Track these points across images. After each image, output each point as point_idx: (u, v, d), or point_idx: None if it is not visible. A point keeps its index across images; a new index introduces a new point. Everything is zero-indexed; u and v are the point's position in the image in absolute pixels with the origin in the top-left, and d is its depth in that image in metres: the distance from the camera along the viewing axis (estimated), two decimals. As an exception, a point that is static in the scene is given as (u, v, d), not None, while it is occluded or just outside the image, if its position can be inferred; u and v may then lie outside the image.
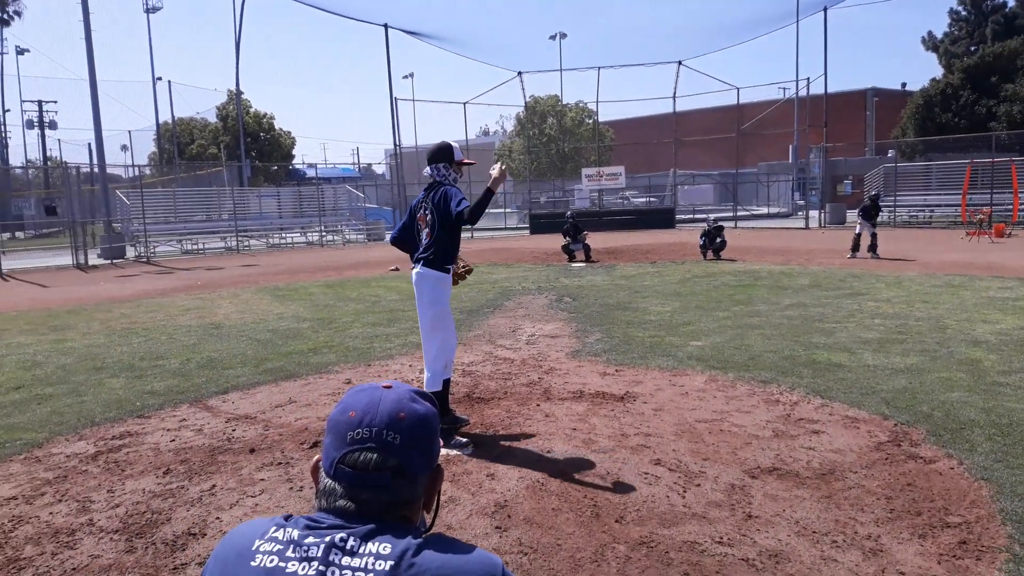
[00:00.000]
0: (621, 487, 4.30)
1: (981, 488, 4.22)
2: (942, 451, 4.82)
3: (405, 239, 5.51)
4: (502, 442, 5.19)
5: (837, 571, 3.34)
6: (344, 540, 1.19)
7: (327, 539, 1.20)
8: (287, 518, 1.27)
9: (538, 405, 6.09)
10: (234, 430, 5.74)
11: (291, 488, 4.46)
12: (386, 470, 1.25)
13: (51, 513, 4.27)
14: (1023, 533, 3.64)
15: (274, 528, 1.24)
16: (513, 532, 3.75)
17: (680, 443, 5.06)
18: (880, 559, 3.45)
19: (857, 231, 17.91)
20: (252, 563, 1.20)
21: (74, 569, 3.57)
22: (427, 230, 5.28)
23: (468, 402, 6.27)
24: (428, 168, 5.36)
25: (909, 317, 9.57)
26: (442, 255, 5.25)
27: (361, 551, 1.18)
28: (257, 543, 1.23)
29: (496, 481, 4.42)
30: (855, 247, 17.80)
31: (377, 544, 1.19)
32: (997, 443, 4.88)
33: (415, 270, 5.31)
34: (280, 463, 4.89)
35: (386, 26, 32.40)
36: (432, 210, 5.22)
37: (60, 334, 10.66)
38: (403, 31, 33.65)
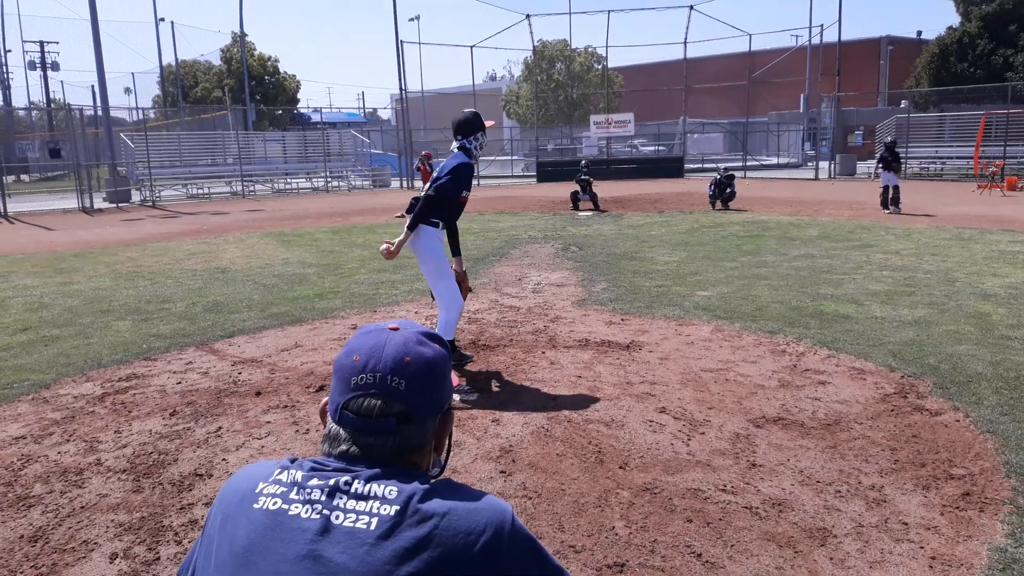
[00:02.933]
0: (625, 434, 4.30)
1: (986, 441, 4.22)
2: (948, 404, 4.81)
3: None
4: (508, 388, 5.20)
5: (840, 520, 3.35)
6: (348, 483, 1.17)
7: (331, 482, 1.17)
8: (292, 460, 1.25)
9: (543, 353, 6.09)
10: (240, 373, 5.76)
11: (297, 431, 4.48)
12: (391, 416, 1.21)
13: (59, 452, 4.30)
14: (1027, 485, 3.64)
15: (278, 470, 1.22)
16: (517, 476, 3.76)
17: (685, 392, 5.06)
18: (883, 509, 3.46)
19: (882, 182, 16.90)
20: (255, 505, 1.18)
21: (82, 507, 3.60)
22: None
23: (474, 349, 6.26)
24: (466, 140, 5.41)
25: (918, 270, 9.50)
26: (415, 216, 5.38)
27: (366, 494, 1.15)
28: (261, 485, 1.20)
29: (501, 427, 4.43)
30: (885, 202, 16.82)
31: (383, 487, 1.16)
32: (1004, 396, 4.86)
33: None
34: (286, 406, 4.92)
35: (392, -34, 31.71)
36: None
37: (66, 276, 10.67)
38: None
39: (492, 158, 39.15)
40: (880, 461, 3.99)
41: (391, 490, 1.15)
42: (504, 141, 45.47)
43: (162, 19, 51.40)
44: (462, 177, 5.27)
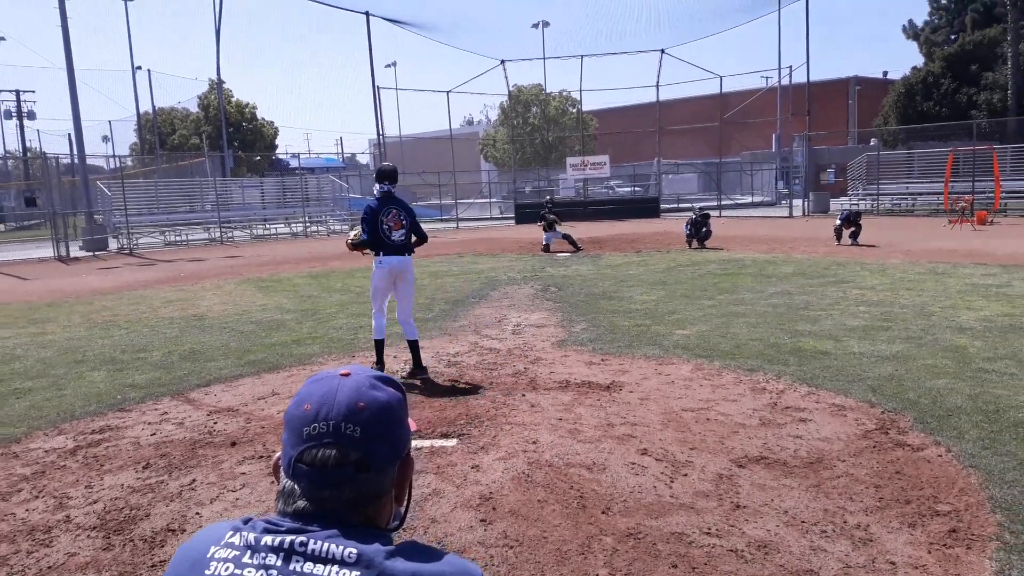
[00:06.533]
0: (607, 478, 4.25)
1: (970, 475, 4.21)
2: (930, 438, 4.81)
3: (373, 236, 6.92)
4: (487, 433, 5.13)
5: (827, 561, 3.31)
6: (304, 544, 1.11)
7: (286, 545, 1.12)
8: (246, 521, 1.19)
9: (523, 395, 6.04)
10: (216, 423, 5.65)
11: (272, 483, 4.38)
12: (347, 465, 1.17)
13: (27, 510, 4.18)
14: (1013, 521, 3.63)
15: (231, 533, 1.16)
16: (498, 525, 3.69)
17: (666, 432, 5.02)
18: (870, 548, 3.42)
19: (837, 223, 18.36)
20: (206, 572, 1.12)
21: (50, 567, 3.49)
22: (402, 231, 6.88)
23: (453, 393, 6.21)
24: (383, 185, 6.90)
25: (894, 304, 9.58)
26: (413, 244, 7.06)
27: (325, 556, 1.10)
28: (213, 550, 1.14)
29: (481, 473, 4.36)
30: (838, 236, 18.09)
31: (342, 549, 1.10)
32: (984, 430, 4.87)
33: (403, 257, 6.94)
34: (262, 456, 4.82)
35: (367, 13, 32.06)
36: (406, 216, 6.90)
37: (40, 327, 10.50)
38: (385, 19, 33.33)
39: (471, 201, 39.35)
40: (865, 499, 3.96)
41: (351, 552, 1.10)
42: (483, 184, 45.75)
43: (139, 67, 51.60)
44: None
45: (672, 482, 4.18)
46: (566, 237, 19.11)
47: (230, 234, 30.08)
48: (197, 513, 4.01)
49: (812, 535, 3.56)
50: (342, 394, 1.21)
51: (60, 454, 5.12)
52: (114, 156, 38.94)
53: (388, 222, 6.82)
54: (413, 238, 7.01)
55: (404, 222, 6.85)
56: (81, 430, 5.66)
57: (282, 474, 1.22)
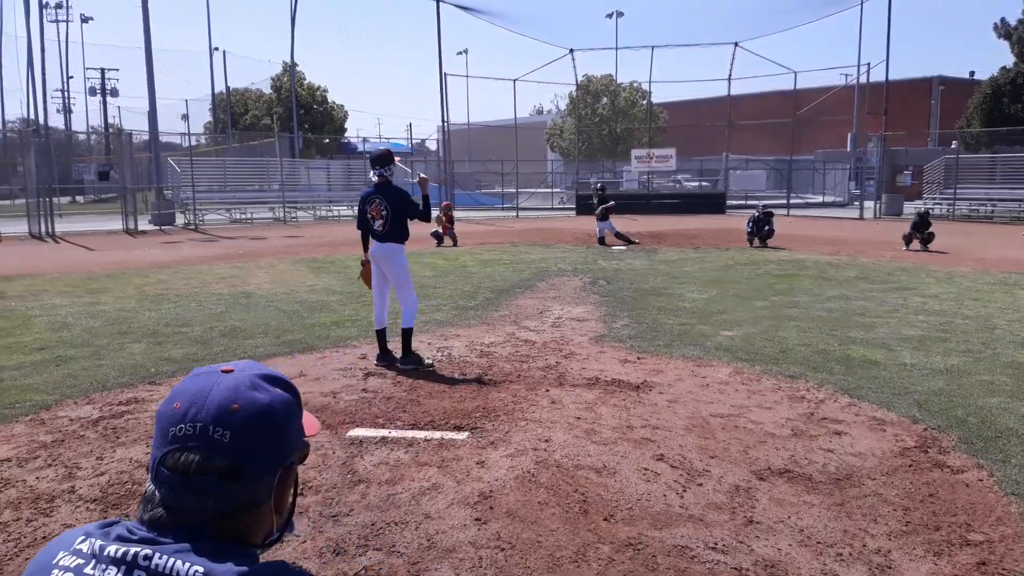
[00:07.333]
0: (616, 483, 4.07)
1: (1010, 504, 3.90)
2: (972, 460, 4.49)
3: (362, 226, 7.02)
4: (501, 428, 5.00)
5: (836, 588, 3.09)
6: (148, 558, 1.00)
7: (129, 557, 1.00)
8: (108, 525, 1.08)
9: (547, 391, 5.88)
10: (236, 402, 5.65)
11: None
12: (211, 472, 1.05)
13: (38, 478, 4.22)
14: (1049, 557, 3.33)
15: (82, 538, 1.05)
16: (493, 525, 3.56)
17: (688, 438, 4.81)
18: (886, 577, 3.18)
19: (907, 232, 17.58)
20: None
21: (44, 537, 3.49)
22: (381, 220, 6.79)
23: (478, 385, 6.09)
24: (376, 170, 6.90)
25: (956, 315, 9.09)
26: (399, 233, 6.87)
27: (166, 574, 0.99)
28: (60, 556, 1.04)
29: (485, 469, 4.23)
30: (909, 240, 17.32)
31: (188, 566, 0.99)
32: (1034, 455, 4.53)
33: (383, 244, 6.83)
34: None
35: (438, 0, 32.14)
36: (387, 205, 6.77)
37: (95, 297, 10.78)
38: (455, 5, 33.31)
39: (533, 190, 39.18)
40: (890, 522, 3.70)
41: (196, 570, 0.98)
42: (547, 174, 45.52)
43: (216, 48, 52.83)
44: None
45: (684, 491, 3.98)
46: (618, 235, 18.74)
47: (294, 214, 30.57)
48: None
49: (826, 557, 3.33)
50: (216, 393, 1.10)
51: (83, 424, 5.18)
52: (188, 134, 39.89)
53: (371, 211, 6.85)
54: (416, 223, 6.97)
55: (383, 211, 6.78)
56: (109, 401, 5.74)
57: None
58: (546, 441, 4.69)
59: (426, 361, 6.86)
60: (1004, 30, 48.67)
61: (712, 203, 33.29)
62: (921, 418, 5.26)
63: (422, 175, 7.32)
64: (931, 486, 4.12)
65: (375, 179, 6.88)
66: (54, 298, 10.72)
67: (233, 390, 1.10)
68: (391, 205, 6.78)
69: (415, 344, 7.00)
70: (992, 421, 5.17)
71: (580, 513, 3.68)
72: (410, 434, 4.83)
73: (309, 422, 1.25)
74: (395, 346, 6.96)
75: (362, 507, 3.75)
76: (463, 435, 4.81)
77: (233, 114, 52.66)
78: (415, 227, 7.25)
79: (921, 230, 17.12)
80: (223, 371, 1.13)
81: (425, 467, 4.22)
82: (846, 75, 40.36)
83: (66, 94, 61.67)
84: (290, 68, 44.71)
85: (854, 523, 3.68)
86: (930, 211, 18.87)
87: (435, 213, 22.73)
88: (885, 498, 3.96)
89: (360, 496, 3.87)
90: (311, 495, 3.87)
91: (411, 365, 6.73)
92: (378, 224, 6.82)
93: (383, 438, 4.75)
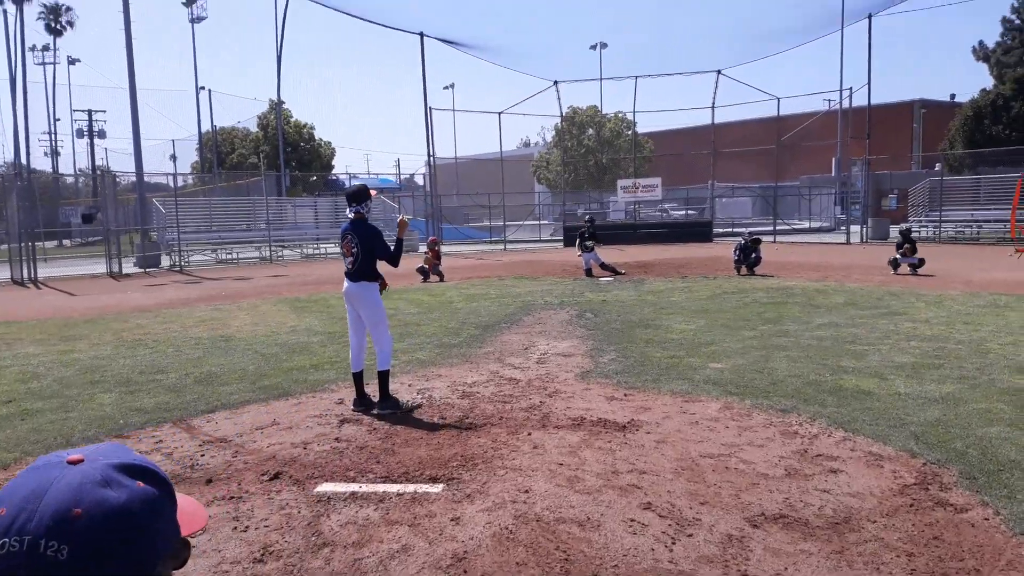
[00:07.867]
0: (600, 537, 3.82)
1: (1020, 546, 3.68)
2: (976, 497, 4.28)
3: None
4: (478, 478, 4.74)
5: (838, 650, 2.85)
6: None
7: None
8: None
9: (529, 434, 5.62)
10: (202, 455, 5.39)
11: (235, 528, 4.06)
12: None
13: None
14: (1065, 608, 3.10)
15: None
16: (467, 590, 3.31)
17: (677, 483, 4.57)
18: (891, 636, 2.94)
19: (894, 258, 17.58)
20: None
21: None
22: (351, 258, 6.63)
23: (457, 430, 5.83)
24: (352, 207, 6.70)
25: (948, 340, 8.91)
26: (369, 271, 6.65)
27: None
28: None
29: (460, 527, 3.97)
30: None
31: None
32: (1039, 490, 4.31)
33: (352, 283, 6.65)
34: (233, 497, 4.51)
35: (422, 35, 32.25)
36: (358, 243, 6.58)
37: (70, 344, 10.50)
38: (439, 39, 33.46)
39: (520, 223, 39.11)
40: (894, 570, 3.48)
41: None
42: (534, 206, 45.51)
43: (202, 87, 52.93)
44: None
45: (674, 544, 3.74)
46: (603, 266, 18.60)
47: (280, 253, 30.34)
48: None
49: (826, 615, 3.10)
50: (54, 494, 0.87)
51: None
52: (174, 174, 39.76)
53: (343, 247, 6.75)
54: (387, 260, 6.79)
55: (354, 248, 6.61)
56: (71, 457, 5.46)
57: None
58: (526, 492, 4.43)
59: (405, 404, 6.63)
60: (983, 53, 49.31)
61: (699, 232, 33.25)
62: (919, 452, 5.05)
63: (404, 217, 7.18)
64: (935, 527, 3.90)
65: (351, 215, 6.73)
66: (28, 347, 10.43)
67: (77, 488, 0.88)
68: (361, 244, 6.59)
69: (394, 386, 6.76)
70: (993, 453, 4.96)
71: (561, 574, 3.43)
72: (381, 488, 4.56)
73: (192, 514, 1.02)
74: (373, 389, 6.72)
75: (325, 574, 3.49)
76: (438, 488, 4.54)
77: (220, 153, 52.62)
78: (404, 260, 7.05)
79: (905, 245, 17.11)
80: (69, 461, 0.91)
81: (396, 526, 3.96)
82: (829, 100, 40.60)
83: (53, 136, 61.69)
84: (277, 106, 44.72)
85: (855, 573, 3.45)
86: (911, 228, 18.81)
87: (422, 249, 22.63)
88: (887, 543, 3.73)
89: (324, 562, 3.60)
90: (272, 561, 3.61)
91: (389, 409, 6.48)
92: (348, 262, 6.68)
93: (352, 493, 4.49)
